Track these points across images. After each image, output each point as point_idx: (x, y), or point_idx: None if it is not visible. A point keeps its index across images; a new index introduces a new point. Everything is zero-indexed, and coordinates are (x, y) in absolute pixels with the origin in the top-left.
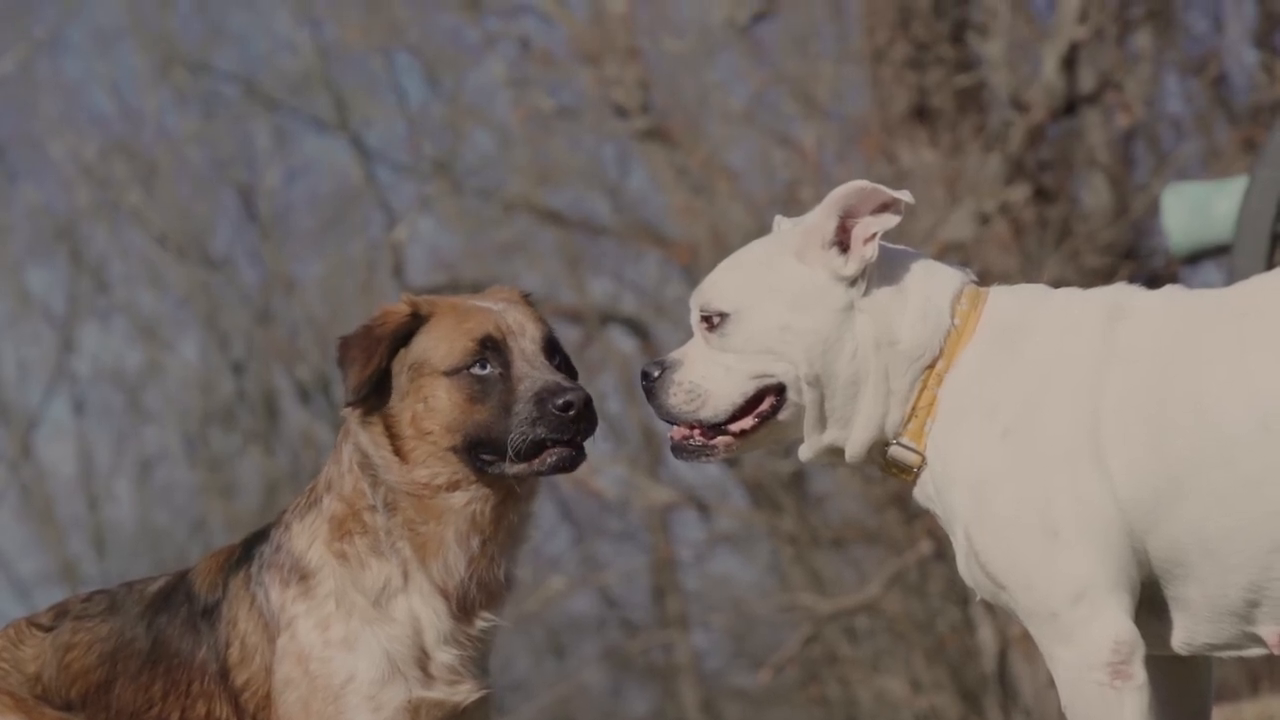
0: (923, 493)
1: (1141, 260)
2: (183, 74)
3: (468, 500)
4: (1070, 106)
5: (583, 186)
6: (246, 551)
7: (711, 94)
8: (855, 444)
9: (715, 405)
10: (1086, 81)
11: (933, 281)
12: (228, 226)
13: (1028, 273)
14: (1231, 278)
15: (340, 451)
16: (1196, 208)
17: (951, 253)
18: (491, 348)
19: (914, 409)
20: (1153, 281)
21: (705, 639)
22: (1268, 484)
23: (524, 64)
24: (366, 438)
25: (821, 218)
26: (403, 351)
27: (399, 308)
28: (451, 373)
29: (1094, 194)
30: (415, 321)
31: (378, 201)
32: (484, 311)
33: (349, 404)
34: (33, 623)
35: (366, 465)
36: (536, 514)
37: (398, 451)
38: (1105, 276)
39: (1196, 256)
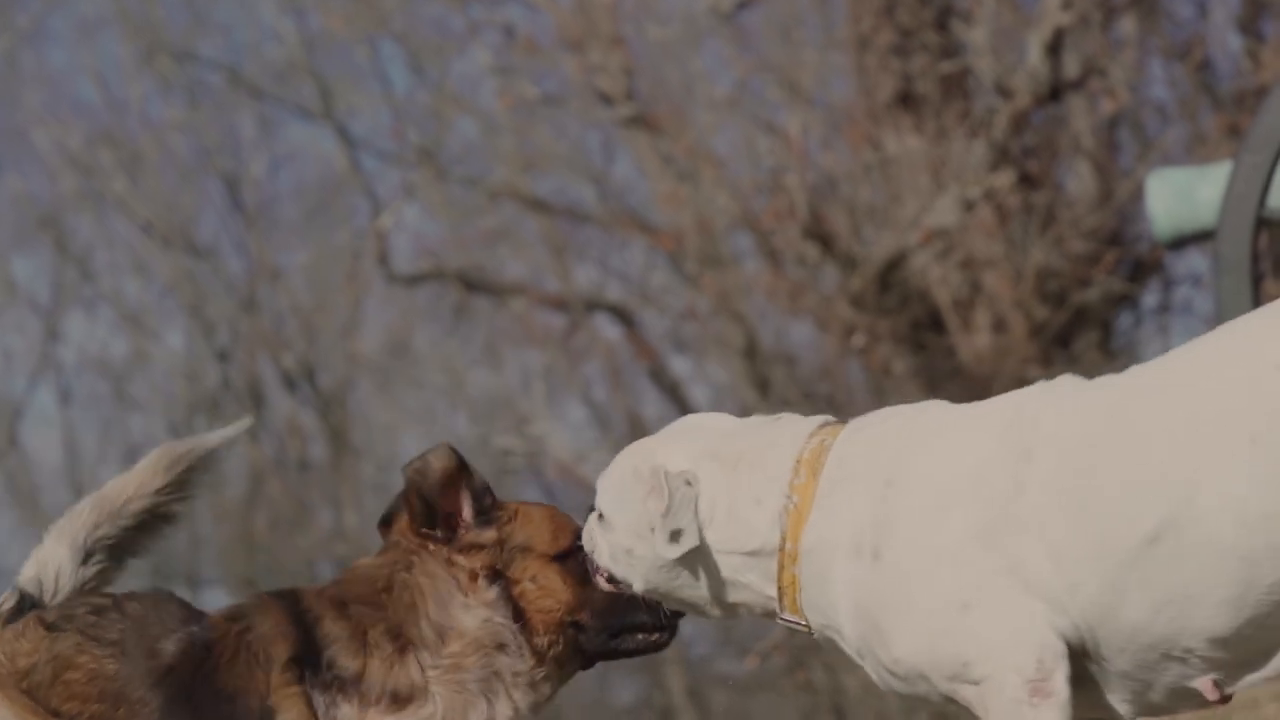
0: (825, 639)
1: (1126, 246)
2: (167, 63)
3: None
4: (1055, 93)
5: (568, 174)
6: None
7: (696, 81)
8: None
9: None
10: (1071, 68)
11: (755, 478)
12: (213, 215)
13: (1012, 259)
14: (1216, 263)
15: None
16: (1181, 193)
17: (937, 239)
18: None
19: (780, 590)
20: (1138, 268)
21: (691, 626)
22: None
23: (509, 52)
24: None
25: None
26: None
27: None
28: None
29: (1079, 180)
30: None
31: (363, 190)
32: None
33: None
34: (40, 617)
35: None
36: None
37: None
38: (1090, 262)
39: (1181, 242)
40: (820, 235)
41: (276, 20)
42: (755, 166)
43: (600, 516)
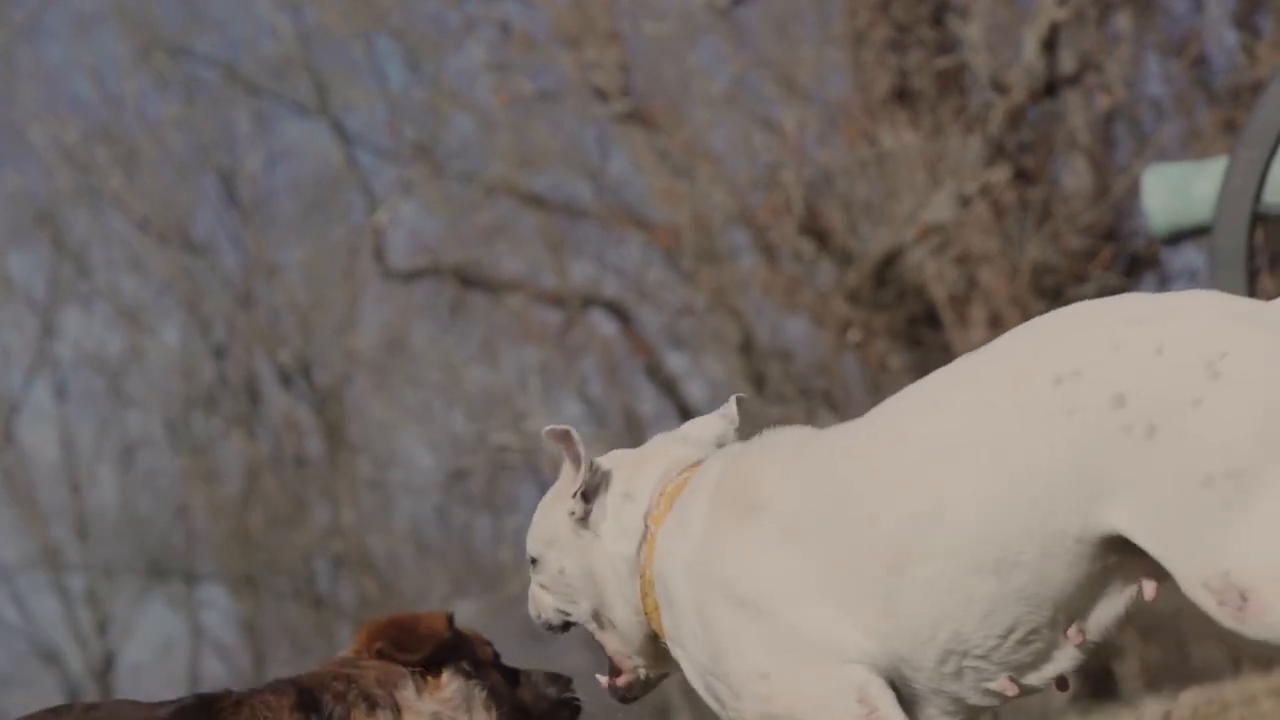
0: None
1: (1122, 242)
2: (163, 59)
3: None
4: (1051, 88)
5: (564, 170)
6: None
7: (692, 77)
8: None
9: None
10: (1067, 63)
11: (623, 526)
12: (209, 211)
13: (1008, 254)
14: (1211, 258)
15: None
16: (1177, 189)
17: (933, 235)
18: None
19: (648, 615)
20: (1134, 263)
21: None
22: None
23: (505, 47)
24: None
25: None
26: None
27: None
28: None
29: (1075, 175)
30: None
31: (359, 185)
32: None
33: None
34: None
35: None
36: None
37: None
38: (1086, 257)
39: (1177, 238)
40: (816, 231)
41: (272, 16)
42: (751, 162)
43: (533, 563)
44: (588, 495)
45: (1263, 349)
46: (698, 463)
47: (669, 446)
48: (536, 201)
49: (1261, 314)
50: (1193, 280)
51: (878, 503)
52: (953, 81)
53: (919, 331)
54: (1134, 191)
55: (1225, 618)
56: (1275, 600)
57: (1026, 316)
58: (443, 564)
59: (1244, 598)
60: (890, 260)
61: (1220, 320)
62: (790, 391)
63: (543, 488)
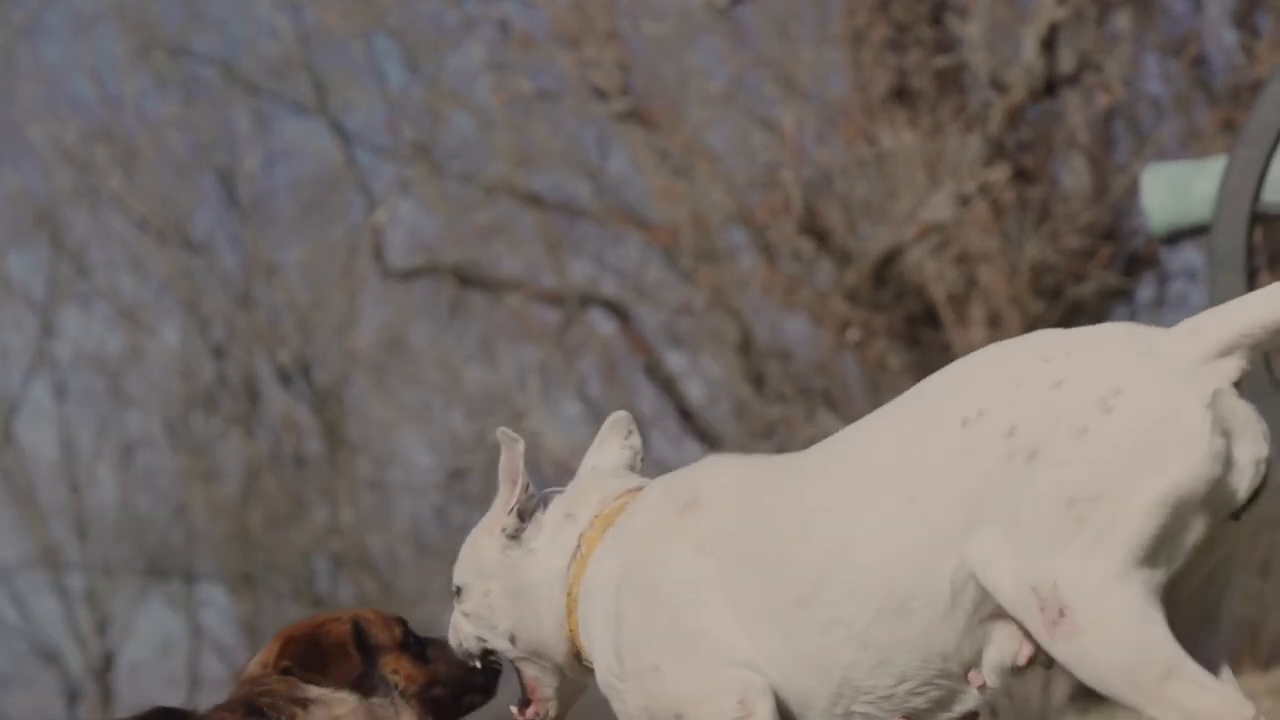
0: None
1: (1122, 241)
2: (163, 58)
3: None
4: (1050, 87)
5: (563, 169)
6: None
7: (692, 76)
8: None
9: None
10: (1066, 62)
11: (557, 543)
12: (208, 211)
13: (1007, 253)
14: (1210, 257)
15: None
16: (1176, 188)
17: (932, 234)
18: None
19: (572, 632)
20: (1133, 262)
21: None
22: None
23: (504, 47)
24: None
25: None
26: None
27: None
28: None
29: (1074, 175)
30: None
31: (358, 185)
32: None
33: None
34: None
35: None
36: None
37: None
38: (1086, 256)
39: (1176, 237)
40: (815, 230)
41: (272, 16)
42: (750, 162)
43: (458, 592)
44: (523, 514)
45: (1159, 388)
46: (636, 489)
47: (604, 479)
48: (535, 201)
49: (1169, 351)
50: (1192, 279)
51: (795, 538)
52: (952, 81)
53: (918, 331)
54: (1133, 191)
55: (1040, 629)
56: (1088, 625)
57: (1026, 315)
58: (442, 563)
59: (1062, 613)
60: (889, 259)
61: (1125, 357)
62: (789, 390)
63: (540, 482)
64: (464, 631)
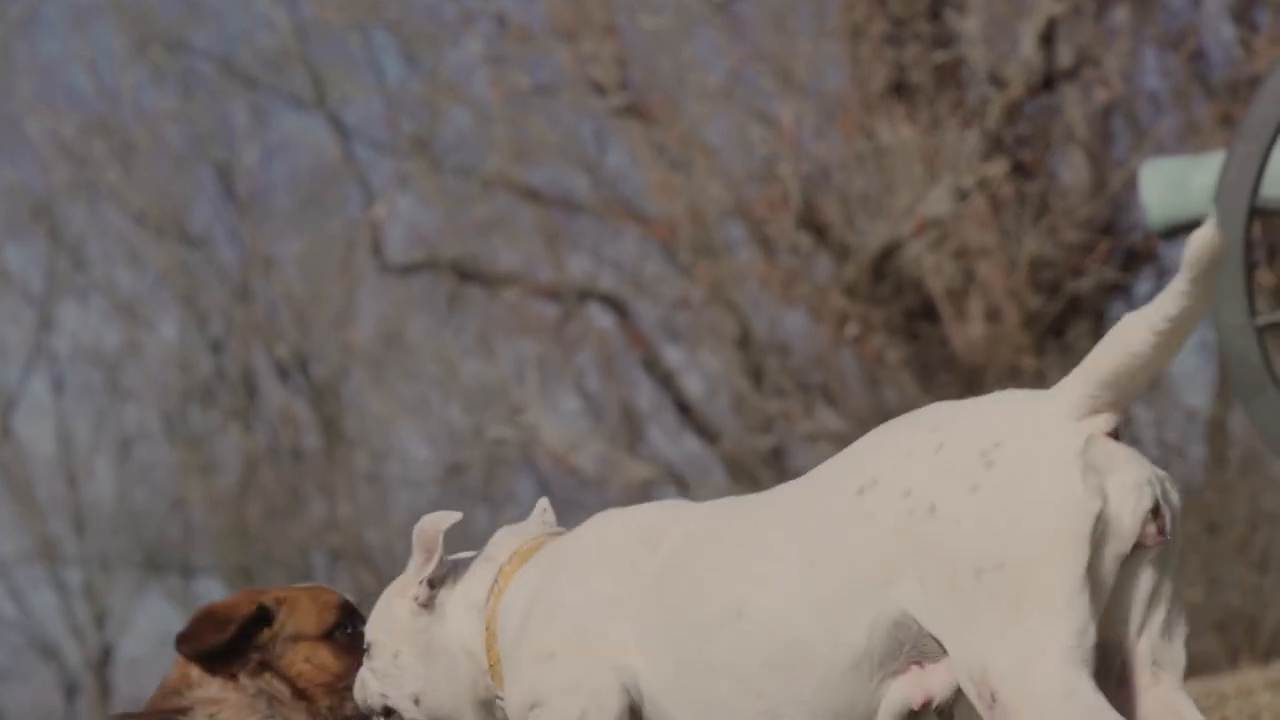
0: None
1: (1120, 236)
2: (160, 52)
3: None
4: (1048, 82)
5: (561, 163)
6: None
7: (689, 71)
8: None
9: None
10: (1064, 57)
11: (474, 583)
12: (206, 204)
13: (1006, 248)
14: None
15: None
16: (1174, 183)
17: (931, 229)
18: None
19: (492, 667)
20: (1131, 257)
21: None
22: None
23: (501, 41)
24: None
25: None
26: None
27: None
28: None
29: (1072, 169)
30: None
31: (356, 179)
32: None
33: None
34: None
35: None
36: None
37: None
38: (1084, 251)
39: (1174, 231)
40: (813, 225)
41: (269, 9)
42: (748, 156)
43: (368, 649)
44: (434, 583)
45: (1034, 438)
46: (555, 533)
47: (523, 529)
48: (533, 195)
49: (1044, 408)
50: None
51: (699, 587)
52: (950, 76)
53: (916, 325)
54: (1131, 185)
55: (985, 714)
56: (1018, 709)
57: (1024, 311)
58: None
59: (994, 697)
60: (888, 254)
61: (1003, 415)
62: (788, 385)
63: (539, 480)
64: (370, 688)
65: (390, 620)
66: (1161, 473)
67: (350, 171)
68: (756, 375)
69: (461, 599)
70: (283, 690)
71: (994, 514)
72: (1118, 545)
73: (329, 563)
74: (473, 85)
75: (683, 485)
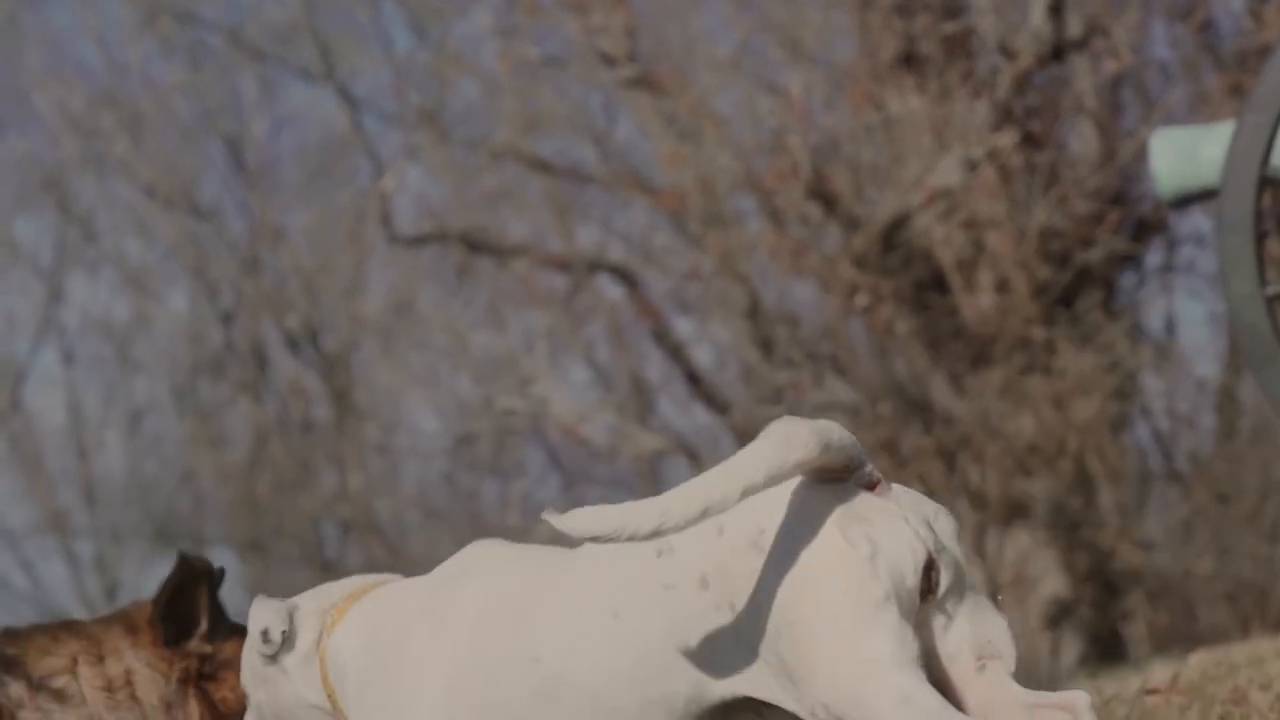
0: None
1: (1130, 206)
2: (169, 24)
3: None
4: (1058, 53)
5: (570, 135)
6: None
7: (698, 41)
8: None
9: None
10: (1074, 27)
11: (304, 631)
12: (215, 177)
13: (1015, 219)
14: (1219, 222)
15: None
16: (1184, 153)
17: (940, 199)
18: None
19: (329, 697)
20: (1141, 227)
21: None
22: None
23: (510, 12)
24: None
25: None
26: None
27: None
28: None
29: (1082, 140)
30: None
31: (365, 151)
32: None
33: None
34: None
35: None
36: None
37: None
38: (1094, 221)
39: (1184, 201)
40: (823, 195)
41: None
42: (757, 127)
43: (248, 696)
44: (268, 634)
45: (790, 522)
46: (395, 579)
47: (365, 577)
48: (542, 166)
49: (802, 489)
50: (1200, 244)
51: (516, 649)
52: (960, 46)
53: (926, 296)
54: (1141, 155)
55: None
56: None
57: (1033, 281)
58: (449, 528)
59: None
60: (897, 225)
61: (763, 498)
62: (797, 356)
63: (548, 451)
64: None
65: (249, 668)
66: (933, 511)
67: (359, 143)
68: (766, 346)
69: (294, 650)
70: (193, 713)
71: (774, 589)
72: (907, 599)
73: (339, 534)
74: (481, 57)
75: (693, 457)
